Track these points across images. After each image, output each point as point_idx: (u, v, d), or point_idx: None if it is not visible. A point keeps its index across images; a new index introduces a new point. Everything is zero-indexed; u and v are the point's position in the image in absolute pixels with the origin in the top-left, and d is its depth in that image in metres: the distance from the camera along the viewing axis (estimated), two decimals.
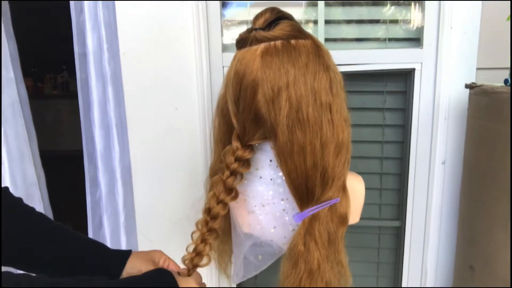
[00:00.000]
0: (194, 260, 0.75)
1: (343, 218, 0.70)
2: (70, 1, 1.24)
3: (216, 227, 0.75)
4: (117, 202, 1.31)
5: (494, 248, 0.94)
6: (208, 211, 0.75)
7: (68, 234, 0.75)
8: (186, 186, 1.27)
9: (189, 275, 0.76)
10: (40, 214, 0.75)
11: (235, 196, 0.75)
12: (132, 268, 0.76)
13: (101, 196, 1.34)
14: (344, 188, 0.70)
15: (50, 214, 1.39)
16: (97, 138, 1.29)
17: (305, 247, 0.68)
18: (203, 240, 0.75)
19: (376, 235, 1.41)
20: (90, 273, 0.70)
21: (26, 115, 1.29)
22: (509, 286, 0.89)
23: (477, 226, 1.02)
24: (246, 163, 0.73)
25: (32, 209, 0.75)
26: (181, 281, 0.69)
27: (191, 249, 0.77)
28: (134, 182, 1.29)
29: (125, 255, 0.77)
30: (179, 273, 0.75)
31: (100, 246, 0.78)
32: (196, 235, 0.76)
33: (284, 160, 0.66)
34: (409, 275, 1.37)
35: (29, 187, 1.32)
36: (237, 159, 0.71)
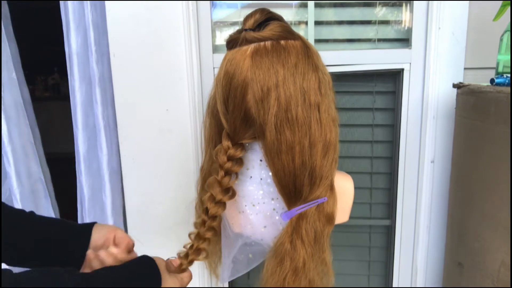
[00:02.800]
0: (190, 256, 0.75)
1: (330, 217, 0.71)
2: (60, 2, 1.23)
3: (215, 225, 0.75)
4: (105, 205, 1.30)
5: (481, 245, 0.95)
6: (205, 211, 0.75)
7: (27, 217, 0.73)
8: (177, 187, 1.28)
9: (182, 270, 0.75)
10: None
11: (233, 195, 0.75)
12: (99, 230, 0.75)
13: (84, 201, 1.34)
14: (331, 188, 0.71)
15: (56, 210, 1.41)
16: (80, 141, 1.29)
17: (292, 245, 0.69)
18: (201, 237, 0.76)
19: (367, 234, 1.42)
20: (54, 251, 0.70)
21: (29, 115, 1.31)
22: (497, 282, 0.91)
23: (465, 224, 1.03)
24: (239, 161, 0.73)
25: None
26: (165, 280, 0.68)
27: (189, 246, 0.77)
28: (125, 184, 1.29)
29: (89, 226, 0.76)
30: (168, 264, 0.74)
31: (61, 225, 0.75)
32: (194, 235, 0.77)
33: (272, 159, 0.67)
34: (399, 273, 1.38)
35: (34, 183, 1.33)
36: (230, 158, 0.72)
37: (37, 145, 1.33)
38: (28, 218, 0.73)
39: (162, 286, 0.67)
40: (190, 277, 0.76)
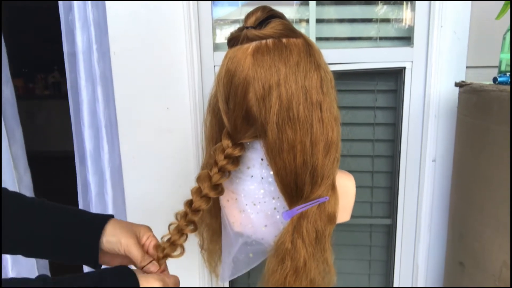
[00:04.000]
0: (166, 250, 0.73)
1: (331, 217, 0.70)
2: (59, 1, 1.23)
3: (195, 220, 0.74)
4: (107, 202, 1.30)
5: (483, 244, 0.95)
6: (189, 203, 0.74)
7: (41, 208, 0.72)
8: (178, 186, 1.27)
9: (159, 264, 0.73)
10: (13, 193, 0.72)
11: (221, 192, 0.75)
12: (113, 236, 0.72)
13: (91, 198, 1.33)
14: (333, 187, 0.70)
15: None
16: (86, 138, 1.29)
17: (292, 244, 0.69)
18: (179, 231, 0.74)
19: (367, 233, 1.42)
20: (67, 244, 0.70)
21: (13, 116, 1.28)
22: (498, 281, 0.90)
23: (467, 223, 1.03)
24: (235, 160, 0.73)
25: (4, 189, 0.72)
26: (143, 281, 0.66)
27: (166, 239, 0.75)
28: (125, 183, 1.28)
29: (102, 220, 0.73)
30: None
31: (76, 214, 0.74)
32: (174, 226, 0.75)
33: (273, 158, 0.67)
34: (400, 272, 1.38)
35: (17, 189, 1.32)
36: (227, 157, 0.71)
37: (20, 148, 1.31)
38: (41, 207, 0.72)
39: (141, 285, 0.65)
40: (174, 278, 0.73)
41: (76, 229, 0.72)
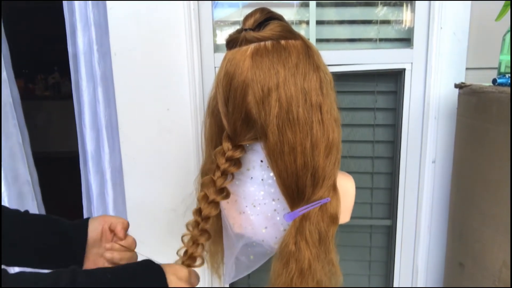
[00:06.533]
0: (185, 263, 0.73)
1: (334, 218, 0.70)
2: (63, 1, 1.23)
3: (208, 228, 0.74)
4: (107, 203, 1.30)
5: (482, 245, 0.95)
6: (199, 212, 0.74)
7: (22, 218, 0.73)
8: (178, 187, 1.27)
9: None
10: None
11: (227, 196, 0.74)
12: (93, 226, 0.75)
13: (93, 199, 1.34)
14: (334, 188, 0.70)
15: (43, 213, 1.39)
16: (88, 140, 1.29)
17: (296, 246, 0.69)
18: (195, 242, 0.74)
19: (367, 234, 1.42)
20: (52, 251, 0.71)
21: (18, 115, 1.29)
22: (498, 282, 0.90)
23: (466, 224, 1.03)
24: (237, 162, 0.73)
25: None
26: (171, 280, 0.65)
27: (182, 252, 0.75)
28: (125, 183, 1.28)
29: (84, 226, 0.75)
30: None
31: (55, 223, 0.75)
32: (187, 237, 0.75)
33: (275, 160, 0.67)
34: (400, 273, 1.38)
35: (22, 186, 1.33)
36: (228, 159, 0.71)
37: (26, 146, 1.32)
38: (24, 218, 0.73)
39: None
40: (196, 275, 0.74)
41: (62, 234, 0.73)
